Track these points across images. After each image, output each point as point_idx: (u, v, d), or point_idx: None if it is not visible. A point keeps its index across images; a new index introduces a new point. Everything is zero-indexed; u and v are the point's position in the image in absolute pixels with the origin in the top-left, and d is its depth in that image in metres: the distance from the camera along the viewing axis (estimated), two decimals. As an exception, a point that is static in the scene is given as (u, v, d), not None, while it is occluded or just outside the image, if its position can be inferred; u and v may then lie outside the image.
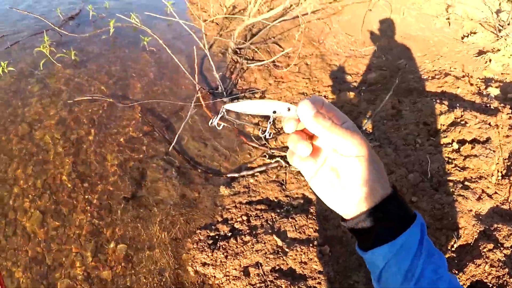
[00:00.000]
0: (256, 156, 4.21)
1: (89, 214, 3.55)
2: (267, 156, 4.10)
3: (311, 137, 0.71)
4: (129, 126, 4.46)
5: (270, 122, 0.70)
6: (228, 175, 3.95)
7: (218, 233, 3.39)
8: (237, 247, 3.23)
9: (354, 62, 5.84)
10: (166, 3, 6.70)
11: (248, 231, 3.35)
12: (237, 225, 3.43)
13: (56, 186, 3.80)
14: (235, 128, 4.49)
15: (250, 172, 3.94)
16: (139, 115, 4.52)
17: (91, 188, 3.76)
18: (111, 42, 6.15)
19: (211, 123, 0.80)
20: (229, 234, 3.36)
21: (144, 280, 3.11)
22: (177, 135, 4.09)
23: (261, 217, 3.45)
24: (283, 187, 3.76)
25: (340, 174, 0.67)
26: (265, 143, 4.25)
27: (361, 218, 0.66)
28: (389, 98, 4.32)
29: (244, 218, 3.48)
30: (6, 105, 4.81)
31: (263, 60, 5.56)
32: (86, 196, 3.69)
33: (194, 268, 3.16)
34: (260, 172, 3.96)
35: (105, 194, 3.71)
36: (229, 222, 3.49)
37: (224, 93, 4.91)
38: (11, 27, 7.15)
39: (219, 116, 0.73)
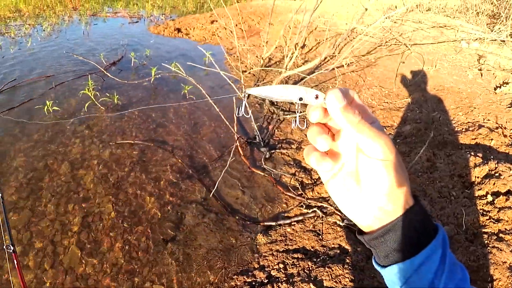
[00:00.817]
0: (293, 205, 4.34)
1: (127, 254, 3.67)
2: (304, 206, 4.24)
3: (333, 134, 0.68)
4: (168, 170, 4.68)
5: (297, 110, 0.67)
6: (265, 223, 4.07)
7: (255, 279, 3.47)
8: (272, 294, 3.31)
9: (389, 114, 6.03)
10: (205, 53, 7.15)
11: (284, 278, 3.42)
12: (273, 273, 3.50)
13: (96, 224, 3.98)
14: (272, 177, 4.67)
15: (287, 221, 4.07)
16: (179, 160, 4.76)
17: (130, 228, 3.92)
18: (152, 89, 6.54)
19: (237, 114, 0.76)
20: (266, 281, 3.43)
21: None
22: (216, 183, 4.30)
23: (297, 265, 3.52)
24: (320, 237, 3.86)
25: (362, 179, 0.63)
26: (302, 193, 4.40)
27: (381, 233, 0.62)
28: (424, 151, 4.47)
29: (281, 265, 3.56)
30: (50, 143, 5.13)
31: (300, 112, 5.80)
32: (125, 236, 3.84)
33: None
34: (297, 221, 4.08)
35: (143, 235, 3.86)
36: (266, 269, 3.57)
37: (261, 143, 5.14)
38: (57, 69, 7.71)
39: (244, 102, 0.69)
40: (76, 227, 3.94)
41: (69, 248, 3.73)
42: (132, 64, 7.49)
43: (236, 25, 10.98)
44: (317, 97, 0.61)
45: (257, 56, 8.28)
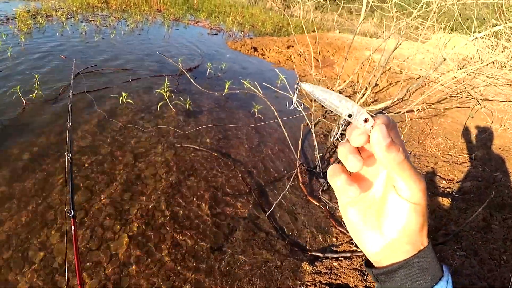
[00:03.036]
0: (343, 241, 4.39)
1: (172, 254, 3.86)
2: (354, 244, 4.27)
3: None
4: (227, 182, 4.90)
5: (341, 125, 0.64)
6: (313, 253, 4.16)
7: (294, 303, 3.56)
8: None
9: (451, 168, 5.95)
10: (280, 76, 7.41)
11: None
12: None
13: (148, 218, 4.22)
14: (327, 209, 4.76)
15: (335, 255, 4.12)
16: (239, 174, 4.98)
17: (180, 230, 4.13)
18: (223, 101, 6.88)
19: (289, 106, 0.73)
20: None
21: None
22: (273, 205, 4.45)
23: None
24: (365, 277, 3.87)
25: (385, 214, 0.63)
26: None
27: (391, 269, 0.63)
28: (481, 210, 4.40)
29: None
30: (118, 133, 5.54)
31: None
32: (175, 236, 4.05)
33: None
34: (345, 257, 4.13)
35: (192, 239, 4.05)
36: None
37: (321, 173, 5.26)
38: (135, 64, 8.28)
39: (295, 94, 0.66)
40: (130, 217, 4.20)
41: (119, 235, 3.97)
42: (207, 74, 7.91)
43: (311, 54, 11.27)
44: (366, 120, 0.59)
45: (328, 87, 8.45)
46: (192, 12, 17.50)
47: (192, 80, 6.09)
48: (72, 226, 2.28)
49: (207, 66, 8.11)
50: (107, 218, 4.14)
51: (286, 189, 4.67)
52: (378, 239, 0.64)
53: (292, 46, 12.34)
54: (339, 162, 0.65)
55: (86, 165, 4.83)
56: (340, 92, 8.13)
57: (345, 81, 8.13)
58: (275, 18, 19.25)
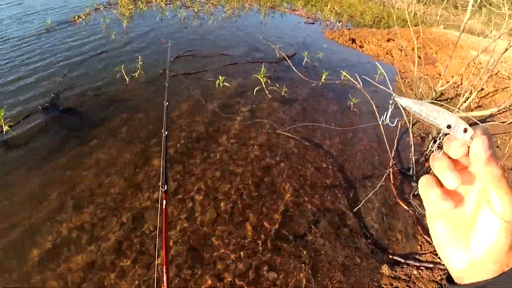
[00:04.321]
0: (427, 251, 4.25)
1: (255, 234, 4.02)
2: (438, 256, 4.11)
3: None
4: (317, 172, 4.95)
5: (440, 138, 0.61)
6: (394, 257, 4.07)
7: (367, 306, 3.54)
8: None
9: None
10: (379, 70, 7.26)
11: None
12: None
13: (236, 197, 4.41)
14: (415, 215, 4.62)
15: (417, 264, 4.00)
16: (330, 167, 4.99)
17: (266, 213, 4.26)
18: (318, 91, 6.90)
19: (382, 121, 0.70)
20: None
21: None
22: (362, 202, 4.42)
23: None
24: (443, 291, 3.73)
25: (473, 230, 0.61)
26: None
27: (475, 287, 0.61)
28: None
29: None
30: (213, 115, 5.80)
31: (461, 159, 5.59)
32: (259, 218, 4.19)
33: None
34: (426, 267, 4.00)
35: (276, 223, 4.16)
36: None
37: (414, 177, 5.09)
38: (232, 49, 8.56)
39: (390, 109, 0.66)
40: (218, 194, 4.42)
41: (207, 209, 4.20)
42: (303, 63, 7.96)
43: (413, 49, 10.81)
44: (465, 131, 0.56)
45: (430, 87, 8.09)
46: (288, 0, 17.54)
47: (293, 67, 6.15)
48: (164, 201, 2.42)
49: (304, 55, 8.16)
50: (198, 193, 4.40)
51: (377, 187, 4.60)
52: (464, 255, 0.62)
53: (393, 40, 11.94)
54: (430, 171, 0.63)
55: (182, 141, 5.14)
56: (442, 94, 7.77)
57: (448, 82, 7.71)
58: (374, 9, 18.67)
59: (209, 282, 3.52)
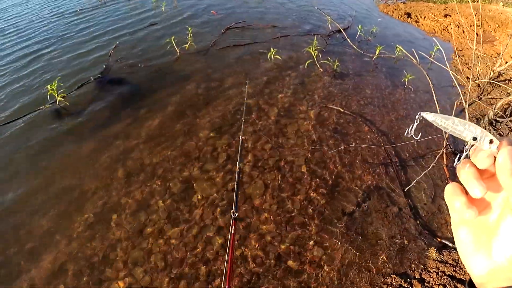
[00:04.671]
0: (479, 237, 4.15)
1: (302, 208, 4.04)
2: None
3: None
4: (367, 149, 4.87)
5: (467, 150, 0.64)
6: (443, 241, 3.99)
7: (410, 287, 3.50)
8: (423, 312, 3.29)
9: None
10: (435, 47, 6.96)
11: None
12: None
13: (285, 170, 4.44)
14: (468, 199, 4.49)
15: (466, 250, 3.92)
16: (382, 144, 4.90)
17: (315, 187, 4.26)
18: (372, 66, 6.72)
19: (407, 133, 0.73)
20: None
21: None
22: (413, 181, 4.33)
23: None
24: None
25: (497, 238, 0.61)
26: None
27: None
28: None
29: None
30: (265, 87, 5.80)
31: (519, 143, 5.36)
32: (308, 192, 4.21)
33: None
34: (475, 255, 3.90)
35: (324, 198, 4.16)
36: (425, 284, 3.53)
37: (469, 158, 4.91)
38: (283, 22, 8.46)
39: (415, 124, 0.68)
40: (268, 165, 4.48)
41: (255, 181, 4.27)
42: (357, 37, 7.76)
43: (471, 26, 10.29)
44: (491, 142, 0.58)
45: (487, 67, 7.71)
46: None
47: (348, 40, 6.02)
48: (233, 226, 2.45)
49: (358, 29, 7.93)
50: (255, 169, 4.44)
51: (429, 168, 4.48)
52: (486, 262, 0.62)
53: (450, 15, 11.37)
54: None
55: (232, 111, 5.18)
56: (499, 74, 7.39)
57: (507, 62, 7.30)
58: (432, -18, 17.81)
59: (253, 242, 3.61)
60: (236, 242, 3.62)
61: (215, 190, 4.17)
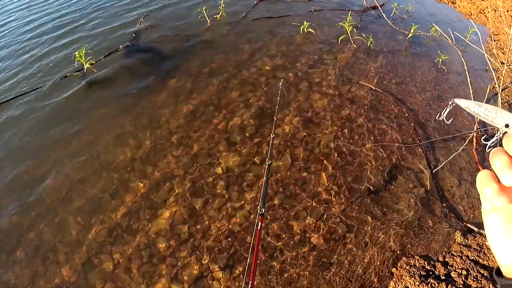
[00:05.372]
0: (504, 224, 4.11)
1: (329, 184, 4.05)
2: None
3: None
4: (397, 128, 4.80)
5: (498, 136, 0.66)
6: (468, 225, 3.96)
7: (433, 270, 3.48)
8: (444, 294, 3.29)
9: None
10: (472, 29, 6.76)
11: (461, 286, 3.36)
12: (453, 275, 3.44)
13: (313, 146, 4.44)
14: (497, 185, 4.43)
15: (491, 235, 3.88)
16: (412, 124, 4.83)
17: (342, 164, 4.26)
18: (406, 45, 6.57)
19: (439, 116, 0.76)
20: (443, 278, 3.40)
21: (346, 265, 3.43)
22: (442, 164, 4.28)
23: (479, 281, 3.40)
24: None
25: None
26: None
27: None
28: None
29: (464, 272, 3.47)
30: (295, 60, 5.78)
31: (554, 131, 5.24)
32: (335, 169, 4.21)
33: (396, 286, 3.34)
34: (499, 241, 3.86)
35: (351, 176, 4.16)
36: (448, 267, 3.53)
37: (498, 144, 4.82)
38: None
39: (448, 109, 0.70)
40: (296, 141, 4.49)
41: (284, 158, 4.25)
42: (391, 14, 7.56)
43: (508, 11, 9.94)
44: None
45: (523, 50, 7.48)
46: None
47: (383, 15, 5.88)
48: (260, 222, 2.44)
49: (393, 6, 7.72)
50: (280, 137, 4.45)
51: (458, 151, 4.41)
52: None
53: (489, -2, 10.99)
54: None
55: (263, 86, 5.15)
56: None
57: (544, 48, 7.07)
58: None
59: (275, 227, 3.65)
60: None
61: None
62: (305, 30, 6.42)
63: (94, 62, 5.64)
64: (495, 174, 0.61)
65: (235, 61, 5.73)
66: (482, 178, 0.63)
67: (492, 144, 0.68)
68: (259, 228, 2.36)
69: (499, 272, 0.68)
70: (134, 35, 6.51)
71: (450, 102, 0.69)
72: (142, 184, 4.03)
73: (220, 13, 7.01)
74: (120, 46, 6.15)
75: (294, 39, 6.40)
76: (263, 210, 2.50)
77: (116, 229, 3.69)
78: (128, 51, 6.12)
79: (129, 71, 5.65)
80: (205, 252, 3.47)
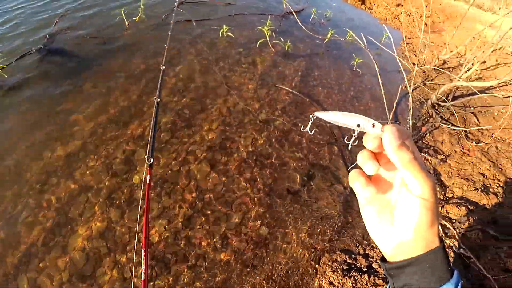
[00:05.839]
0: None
1: (249, 187, 4.01)
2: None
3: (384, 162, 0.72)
4: (315, 130, 4.87)
5: (354, 135, 0.71)
6: (386, 218, 4.11)
7: (355, 263, 3.55)
8: (367, 285, 3.36)
9: None
10: (385, 33, 7.08)
11: (383, 276, 3.45)
12: (375, 266, 3.53)
13: (232, 150, 4.38)
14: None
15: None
16: (326, 123, 4.91)
17: (261, 166, 4.23)
18: (323, 48, 6.74)
19: (303, 129, 0.81)
20: (365, 270, 3.49)
21: (269, 268, 3.39)
22: (356, 162, 4.38)
23: None
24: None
25: (397, 211, 0.69)
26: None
27: (401, 265, 0.69)
28: None
29: None
30: (213, 63, 5.70)
31: (457, 126, 5.56)
32: (255, 170, 4.17)
33: (320, 282, 3.37)
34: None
35: (271, 178, 4.15)
36: (369, 259, 3.62)
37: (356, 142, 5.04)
38: (240, 1, 8.31)
39: (310, 123, 0.75)
40: (211, 143, 4.39)
41: (200, 160, 4.20)
42: (310, 19, 7.75)
43: (421, 16, 10.59)
44: (373, 126, 0.67)
45: (433, 54, 7.95)
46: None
47: (298, 21, 5.98)
48: (148, 175, 2.33)
49: (312, 11, 7.92)
50: (192, 143, 4.33)
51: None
52: (392, 236, 0.70)
53: (402, 5, 11.60)
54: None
55: (176, 91, 5.03)
56: (444, 62, 7.63)
57: (452, 51, 7.58)
58: (388, -28, 18.07)
59: (199, 236, 3.54)
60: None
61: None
62: (225, 33, 6.38)
63: (4, 66, 5.22)
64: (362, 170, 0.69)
65: (153, 65, 5.54)
66: (351, 175, 0.71)
67: (352, 143, 0.74)
68: (147, 182, 2.31)
69: (384, 259, 0.75)
70: (48, 36, 6.12)
71: (311, 116, 0.74)
72: (55, 198, 3.75)
73: (139, 14, 6.80)
74: (33, 49, 5.73)
75: (214, 43, 6.33)
76: (152, 160, 2.44)
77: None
78: (42, 54, 5.72)
79: (43, 76, 5.26)
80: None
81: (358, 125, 0.68)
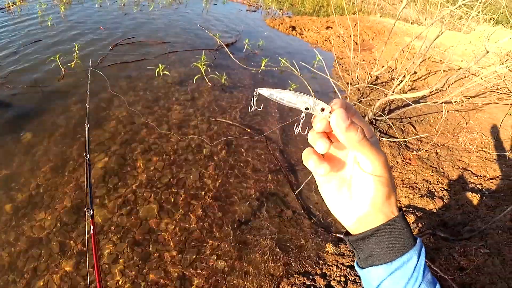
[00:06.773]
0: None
1: (201, 222, 4.00)
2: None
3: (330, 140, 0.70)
4: (258, 158, 4.97)
5: (302, 118, 0.70)
6: (338, 235, 4.19)
7: (314, 284, 3.60)
8: (328, 303, 3.42)
9: (483, 164, 5.80)
10: (317, 57, 7.36)
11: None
12: (333, 283, 3.60)
13: (178, 188, 4.36)
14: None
15: (358, 238, 4.15)
16: (271, 152, 5.04)
17: (209, 201, 4.24)
18: (259, 78, 6.92)
19: (250, 109, 0.79)
20: None
21: None
22: (302, 184, 4.50)
23: (359, 283, 3.60)
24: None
25: (353, 187, 0.71)
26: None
27: (363, 236, 0.71)
28: (510, 210, 4.29)
29: (342, 279, 3.65)
30: (153, 103, 5.69)
31: (396, 138, 5.83)
32: (204, 206, 4.17)
33: None
34: (368, 242, 4.14)
35: (221, 210, 4.16)
36: (327, 277, 3.69)
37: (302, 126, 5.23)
38: (173, 37, 8.41)
39: (254, 99, 0.73)
40: (161, 184, 4.37)
41: (149, 201, 4.14)
42: (244, 50, 7.96)
43: (350, 36, 11.10)
44: (323, 109, 0.65)
45: (366, 72, 8.35)
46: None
47: (231, 55, 6.14)
48: (91, 226, 2.29)
49: (244, 43, 8.15)
50: (138, 185, 4.29)
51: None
52: (352, 210, 0.71)
53: (331, 27, 12.15)
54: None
55: (119, 134, 4.99)
56: (377, 77, 8.03)
57: (383, 66, 7.99)
58: (315, -2, 18.93)
59: (158, 277, 3.47)
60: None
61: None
62: (161, 72, 6.43)
63: None
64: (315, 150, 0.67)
65: (91, 112, 5.45)
66: (304, 154, 0.69)
67: (299, 128, 0.72)
68: (92, 232, 2.23)
69: (348, 234, 0.76)
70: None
71: (254, 93, 0.70)
72: (7, 253, 3.56)
73: (75, 60, 6.71)
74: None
75: (151, 83, 6.34)
76: (92, 212, 2.35)
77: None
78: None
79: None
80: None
81: (307, 109, 0.66)
